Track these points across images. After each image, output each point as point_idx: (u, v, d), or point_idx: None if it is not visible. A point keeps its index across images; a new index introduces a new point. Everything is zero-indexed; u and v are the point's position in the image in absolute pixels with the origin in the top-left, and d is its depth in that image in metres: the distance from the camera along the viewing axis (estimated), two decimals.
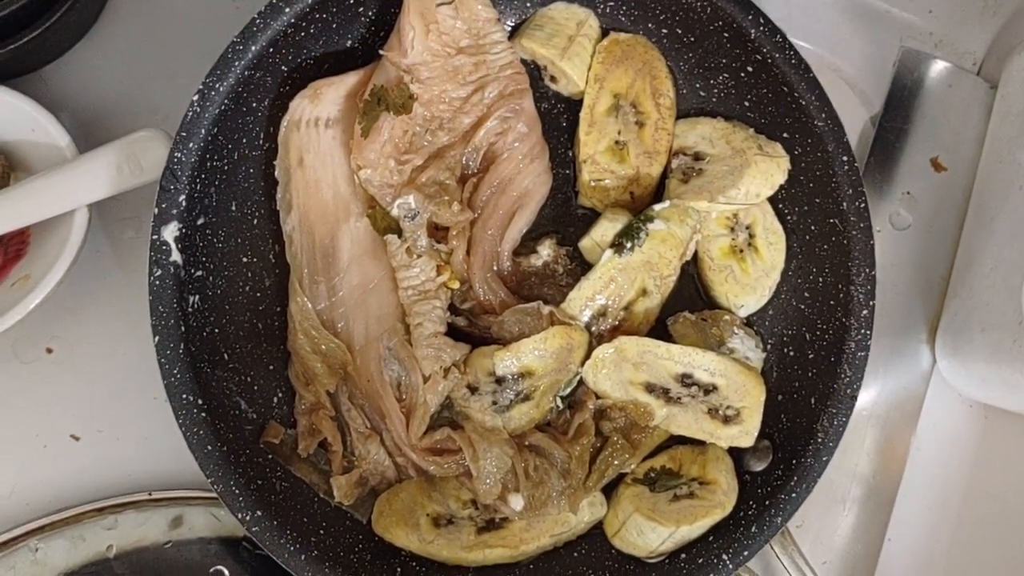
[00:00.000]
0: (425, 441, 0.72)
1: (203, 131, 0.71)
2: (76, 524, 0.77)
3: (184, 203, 0.70)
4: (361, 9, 0.76)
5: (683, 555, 0.72)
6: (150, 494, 0.78)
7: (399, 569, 0.73)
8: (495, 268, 0.77)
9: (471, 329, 0.76)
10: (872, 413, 0.85)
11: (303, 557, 0.69)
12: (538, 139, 0.79)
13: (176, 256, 0.70)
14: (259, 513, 0.69)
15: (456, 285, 0.76)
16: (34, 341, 0.82)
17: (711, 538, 0.72)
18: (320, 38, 0.76)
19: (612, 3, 0.80)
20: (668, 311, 0.78)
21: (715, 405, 0.74)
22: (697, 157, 0.79)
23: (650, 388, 0.74)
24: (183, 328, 0.70)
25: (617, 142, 0.79)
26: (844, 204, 0.74)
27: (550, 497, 0.72)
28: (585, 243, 0.78)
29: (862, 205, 0.74)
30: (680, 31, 0.80)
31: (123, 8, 0.87)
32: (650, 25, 0.81)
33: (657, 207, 0.76)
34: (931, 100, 0.89)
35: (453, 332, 0.75)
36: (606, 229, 0.76)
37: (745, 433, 0.74)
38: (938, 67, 0.90)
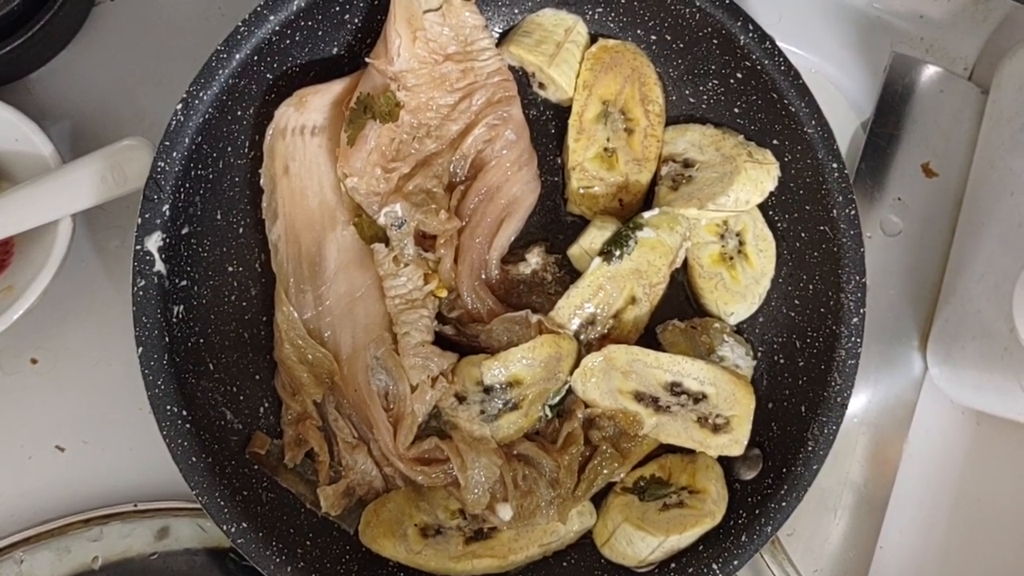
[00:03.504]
0: (413, 451, 0.72)
1: (187, 140, 0.70)
2: (61, 535, 0.77)
3: (168, 213, 0.70)
4: (347, 16, 0.76)
5: (673, 564, 0.72)
6: (135, 505, 0.78)
7: None
8: (483, 276, 0.76)
9: (459, 338, 0.76)
10: (863, 420, 0.85)
11: (289, 569, 0.68)
12: (526, 146, 0.78)
13: (160, 266, 0.69)
14: (245, 524, 0.68)
15: (444, 294, 0.75)
16: (18, 352, 0.82)
17: (701, 547, 0.72)
18: (306, 45, 0.75)
19: (601, 9, 0.80)
20: (657, 319, 0.78)
21: (705, 414, 0.74)
22: (687, 164, 0.79)
23: (639, 397, 0.73)
24: (167, 339, 0.69)
25: (606, 149, 0.79)
26: (834, 211, 0.74)
27: (539, 507, 0.72)
28: (574, 251, 0.77)
29: (852, 212, 0.74)
30: (669, 37, 0.79)
31: (107, 16, 0.87)
32: (639, 31, 0.80)
33: (646, 215, 0.75)
34: (922, 105, 0.89)
35: (441, 341, 0.75)
36: (595, 237, 0.76)
37: (735, 442, 0.74)
38: (929, 72, 0.90)
